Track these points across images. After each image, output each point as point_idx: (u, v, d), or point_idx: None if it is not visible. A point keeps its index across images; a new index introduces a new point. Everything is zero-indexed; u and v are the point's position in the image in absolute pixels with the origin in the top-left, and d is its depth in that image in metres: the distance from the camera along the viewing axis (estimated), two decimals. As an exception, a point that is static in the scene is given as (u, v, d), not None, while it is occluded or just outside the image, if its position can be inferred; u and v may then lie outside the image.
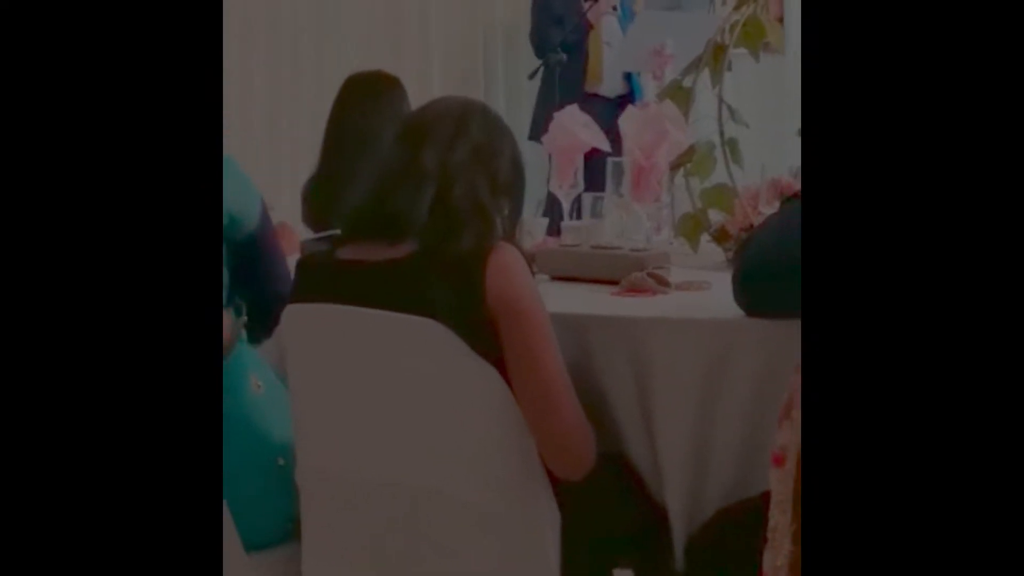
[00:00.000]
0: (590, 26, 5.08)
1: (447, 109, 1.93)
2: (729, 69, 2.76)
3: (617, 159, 2.48)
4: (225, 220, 2.07)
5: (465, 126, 1.89)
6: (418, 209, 1.81)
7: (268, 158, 5.32)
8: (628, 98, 5.14)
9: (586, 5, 5.10)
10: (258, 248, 2.16)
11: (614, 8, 5.12)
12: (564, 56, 4.89)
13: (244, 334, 2.16)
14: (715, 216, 2.67)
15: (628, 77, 5.18)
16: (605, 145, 2.56)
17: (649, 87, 3.64)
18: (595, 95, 5.05)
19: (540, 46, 5.11)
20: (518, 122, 4.95)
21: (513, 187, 1.93)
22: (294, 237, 2.90)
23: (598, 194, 2.57)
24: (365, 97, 3.41)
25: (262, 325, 2.17)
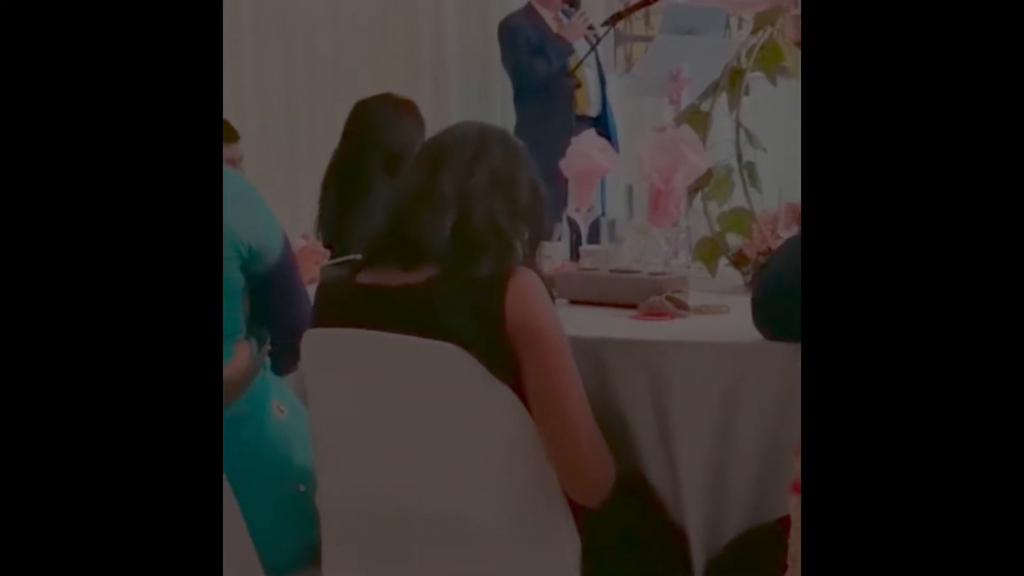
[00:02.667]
0: (571, 49, 5.05)
1: (465, 134, 1.93)
2: (747, 93, 2.76)
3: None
4: (246, 253, 2.09)
5: (484, 151, 1.89)
6: (438, 234, 1.81)
7: (286, 184, 5.31)
8: (603, 117, 5.15)
9: (580, 29, 5.07)
10: (279, 281, 2.18)
11: (590, 27, 5.07)
12: (573, 81, 4.88)
13: (268, 361, 2.17)
14: (733, 240, 2.67)
15: (602, 97, 5.19)
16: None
17: (666, 111, 3.65)
18: (583, 116, 5.01)
19: (525, 77, 5.07)
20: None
21: (532, 212, 1.93)
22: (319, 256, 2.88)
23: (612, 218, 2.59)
24: (378, 121, 3.40)
25: (285, 357, 2.17)
